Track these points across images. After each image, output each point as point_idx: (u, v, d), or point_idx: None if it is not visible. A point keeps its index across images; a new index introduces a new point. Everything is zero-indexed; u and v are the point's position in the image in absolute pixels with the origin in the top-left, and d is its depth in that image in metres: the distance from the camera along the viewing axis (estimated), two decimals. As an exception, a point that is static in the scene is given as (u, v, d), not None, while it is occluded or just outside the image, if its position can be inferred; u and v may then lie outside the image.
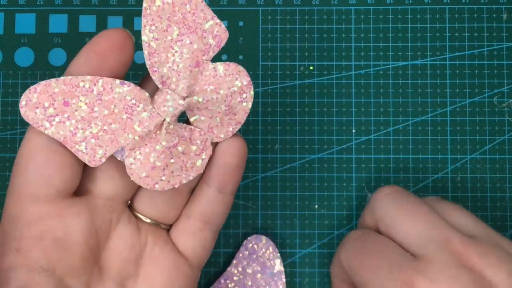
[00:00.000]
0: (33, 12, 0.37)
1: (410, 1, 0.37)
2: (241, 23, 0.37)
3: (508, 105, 0.36)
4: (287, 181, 0.35)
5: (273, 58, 0.36)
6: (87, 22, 0.37)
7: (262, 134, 0.36)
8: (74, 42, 0.37)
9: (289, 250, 0.35)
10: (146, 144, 0.25)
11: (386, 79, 0.36)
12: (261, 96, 0.36)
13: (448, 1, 0.36)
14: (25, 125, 0.36)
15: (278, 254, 0.34)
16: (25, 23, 0.37)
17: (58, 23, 0.37)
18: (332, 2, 0.37)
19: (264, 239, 0.34)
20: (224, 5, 0.37)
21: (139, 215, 0.27)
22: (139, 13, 0.37)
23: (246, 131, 0.36)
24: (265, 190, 0.35)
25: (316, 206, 0.35)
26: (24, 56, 0.37)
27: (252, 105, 0.36)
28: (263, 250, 0.34)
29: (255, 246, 0.34)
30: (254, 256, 0.34)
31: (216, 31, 0.25)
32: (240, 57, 0.36)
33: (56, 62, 0.36)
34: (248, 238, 0.34)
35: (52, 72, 0.36)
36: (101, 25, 0.37)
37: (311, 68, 0.36)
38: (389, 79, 0.36)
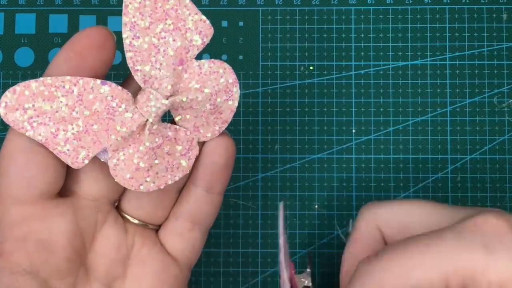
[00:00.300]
0: (33, 12, 0.37)
1: (410, 1, 0.37)
2: (241, 23, 0.37)
3: (508, 105, 0.36)
4: (287, 181, 0.35)
5: (273, 58, 0.36)
6: (87, 22, 0.37)
7: (262, 134, 0.36)
8: (74, 42, 0.36)
9: (290, 250, 0.35)
10: (129, 145, 0.24)
11: (386, 79, 0.36)
12: (261, 96, 0.36)
13: (448, 1, 0.36)
14: (25, 125, 0.36)
15: None
16: (25, 23, 0.37)
17: (58, 23, 0.37)
18: (332, 2, 0.37)
19: None
20: (224, 5, 0.37)
21: (126, 215, 0.27)
22: (139, 13, 0.36)
23: (246, 131, 0.36)
24: (265, 190, 0.35)
25: (316, 206, 0.35)
26: (24, 56, 0.37)
27: (252, 105, 0.36)
28: None
29: None
30: None
31: (200, 28, 0.24)
32: (240, 57, 0.36)
33: (56, 62, 0.36)
34: None
35: (52, 72, 0.36)
36: (101, 25, 0.37)
37: (311, 68, 0.36)
38: (389, 79, 0.36)
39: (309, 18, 0.36)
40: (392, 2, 0.37)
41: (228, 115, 0.26)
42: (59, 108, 0.23)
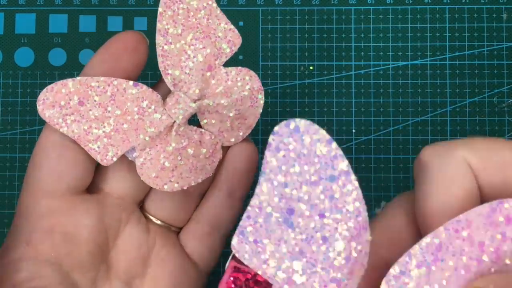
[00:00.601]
0: (33, 12, 0.37)
1: (410, 1, 0.37)
2: (241, 23, 0.37)
3: (508, 105, 0.36)
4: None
5: (273, 58, 0.36)
6: (87, 22, 0.37)
7: (262, 134, 0.36)
8: (74, 42, 0.37)
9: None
10: (156, 145, 0.25)
11: (386, 79, 0.36)
12: (261, 96, 0.36)
13: (448, 1, 0.36)
14: (23, 125, 0.36)
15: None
16: (25, 23, 0.37)
17: (58, 23, 0.37)
18: (332, 2, 0.37)
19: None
20: (224, 5, 0.37)
21: (149, 216, 0.27)
22: (139, 13, 0.36)
23: (246, 131, 0.36)
24: (265, 190, 0.35)
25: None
26: (24, 56, 0.37)
27: (252, 105, 0.36)
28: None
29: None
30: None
31: (229, 37, 0.26)
32: (240, 57, 0.36)
33: (56, 62, 0.36)
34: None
35: (52, 72, 0.36)
36: (101, 25, 0.37)
37: (311, 68, 0.36)
38: (389, 79, 0.36)
39: (309, 18, 0.36)
40: (392, 2, 0.37)
41: (252, 121, 0.27)
42: (92, 107, 0.24)
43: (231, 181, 0.27)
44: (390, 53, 0.36)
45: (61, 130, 0.24)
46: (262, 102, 0.27)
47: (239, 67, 0.26)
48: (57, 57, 0.36)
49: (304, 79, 0.36)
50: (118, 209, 0.26)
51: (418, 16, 0.36)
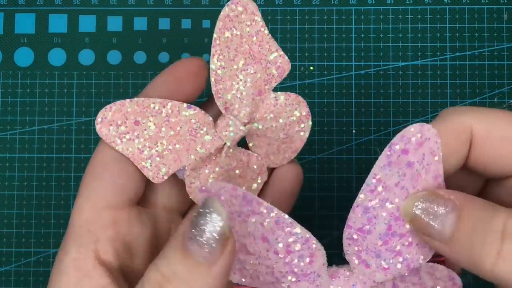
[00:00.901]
0: (33, 12, 0.37)
1: (411, 2, 0.36)
2: (241, 23, 0.36)
3: (509, 105, 0.36)
4: (287, 182, 0.35)
5: (273, 58, 0.36)
6: (86, 22, 0.37)
7: (262, 134, 0.36)
8: (74, 42, 0.36)
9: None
10: (206, 165, 0.26)
11: (386, 79, 0.36)
12: (261, 96, 0.36)
13: (449, 1, 0.36)
14: (23, 125, 0.36)
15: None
16: (25, 23, 0.37)
17: (57, 23, 0.37)
18: (332, 2, 0.37)
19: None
20: (224, 5, 0.37)
21: None
22: (138, 13, 0.36)
23: (246, 132, 0.36)
24: (265, 191, 0.35)
25: (316, 207, 0.35)
26: (23, 56, 0.36)
27: (252, 105, 0.36)
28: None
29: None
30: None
31: (279, 63, 0.26)
32: (240, 57, 0.36)
33: (55, 62, 0.36)
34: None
35: (51, 72, 0.36)
36: (101, 25, 0.36)
37: (311, 68, 0.36)
38: (390, 79, 0.36)
39: (309, 18, 0.36)
40: (392, 2, 0.36)
41: (298, 145, 0.27)
42: (147, 127, 0.25)
43: (276, 201, 0.28)
44: (391, 54, 0.36)
45: (116, 148, 0.25)
46: (309, 127, 0.27)
47: (288, 92, 0.27)
48: (56, 57, 0.36)
49: (304, 79, 0.36)
50: (167, 220, 0.27)
51: (419, 16, 0.36)
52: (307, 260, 0.22)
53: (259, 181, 0.27)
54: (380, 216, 0.21)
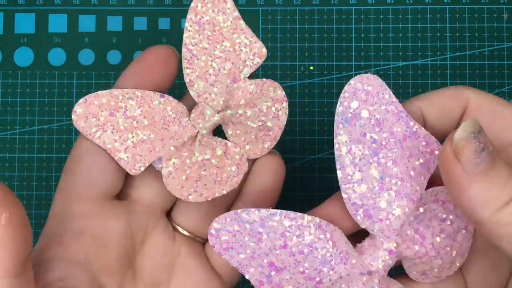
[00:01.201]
0: (33, 12, 0.37)
1: (411, 1, 0.36)
2: (241, 23, 0.36)
3: (509, 106, 0.36)
4: (287, 181, 0.35)
5: (273, 58, 0.36)
6: (86, 22, 0.37)
7: (262, 134, 0.36)
8: (74, 42, 0.36)
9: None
10: (181, 155, 0.26)
11: (386, 79, 0.36)
12: (261, 96, 0.36)
13: (449, 1, 0.36)
14: (23, 125, 0.36)
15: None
16: (25, 23, 0.37)
17: (57, 23, 0.37)
18: (332, 2, 0.37)
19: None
20: (224, 5, 0.37)
21: (176, 226, 0.28)
22: (138, 13, 0.36)
23: (246, 131, 0.36)
24: (265, 191, 0.35)
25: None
26: (23, 56, 0.36)
27: (252, 105, 0.36)
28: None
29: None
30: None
31: (254, 49, 0.26)
32: (240, 57, 0.36)
33: (55, 62, 0.36)
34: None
35: (51, 72, 0.36)
36: (101, 25, 0.36)
37: (311, 68, 0.36)
38: (390, 79, 0.36)
39: (309, 18, 0.36)
40: (392, 2, 0.36)
41: (276, 133, 0.27)
42: (122, 118, 0.25)
43: (257, 195, 0.27)
44: (391, 53, 0.36)
45: (93, 140, 0.25)
46: (286, 113, 0.27)
47: (263, 79, 0.27)
48: (56, 57, 0.36)
49: (304, 79, 0.36)
50: (145, 215, 0.27)
51: (419, 16, 0.36)
52: (330, 244, 0.23)
53: (238, 172, 0.27)
54: (367, 166, 0.23)
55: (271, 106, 0.27)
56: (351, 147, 0.23)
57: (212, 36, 0.26)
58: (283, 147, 0.35)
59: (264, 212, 0.23)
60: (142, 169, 0.26)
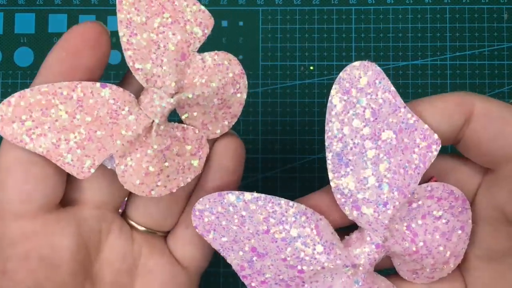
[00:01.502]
0: (33, 12, 0.37)
1: (411, 1, 0.36)
2: (241, 23, 0.36)
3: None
4: (287, 182, 0.35)
5: (273, 58, 0.36)
6: (86, 22, 0.37)
7: (262, 134, 0.36)
8: (74, 42, 0.36)
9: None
10: (136, 149, 0.23)
11: (386, 79, 0.36)
12: (261, 96, 0.36)
13: (449, 1, 0.36)
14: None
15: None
16: (25, 23, 0.37)
17: (57, 23, 0.37)
18: (332, 2, 0.37)
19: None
20: (224, 5, 0.37)
21: (133, 223, 0.26)
22: (139, 13, 0.36)
23: (246, 131, 0.36)
24: (265, 191, 0.35)
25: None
26: (23, 56, 0.36)
27: (252, 105, 0.36)
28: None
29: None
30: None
31: (200, 19, 0.23)
32: (240, 57, 0.36)
33: (55, 62, 0.36)
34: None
35: (51, 72, 0.36)
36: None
37: (311, 68, 0.36)
38: (390, 79, 0.36)
39: (309, 18, 0.36)
40: (392, 2, 0.36)
41: (237, 109, 0.25)
42: (58, 117, 0.22)
43: (219, 180, 0.25)
44: (391, 53, 0.36)
45: (26, 147, 0.22)
46: (245, 87, 0.24)
47: (216, 51, 0.23)
48: (56, 57, 0.36)
49: (304, 79, 0.36)
50: (96, 220, 0.24)
51: (419, 16, 0.36)
52: (314, 232, 0.22)
53: (200, 156, 0.24)
54: (355, 155, 0.22)
55: (230, 82, 0.24)
56: (342, 135, 0.22)
57: (150, 8, 0.23)
58: (283, 147, 0.35)
59: (248, 195, 0.22)
60: (93, 170, 0.22)
